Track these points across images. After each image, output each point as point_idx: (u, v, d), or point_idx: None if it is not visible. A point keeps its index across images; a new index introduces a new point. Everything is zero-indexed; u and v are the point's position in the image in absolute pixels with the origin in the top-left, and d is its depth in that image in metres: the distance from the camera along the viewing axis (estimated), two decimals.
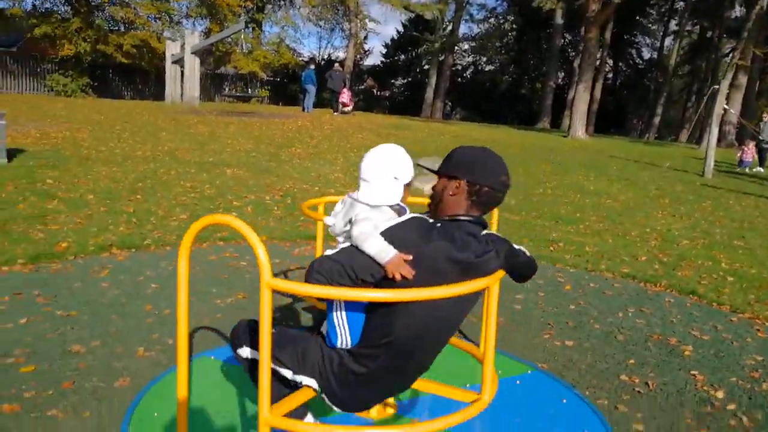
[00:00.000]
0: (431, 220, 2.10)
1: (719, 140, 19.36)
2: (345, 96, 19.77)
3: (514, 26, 39.47)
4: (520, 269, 2.18)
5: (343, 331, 2.09)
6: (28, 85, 24.34)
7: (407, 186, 2.24)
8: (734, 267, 5.82)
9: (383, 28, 67.91)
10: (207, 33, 25.53)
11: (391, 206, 2.18)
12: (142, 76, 26.66)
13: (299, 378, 2.14)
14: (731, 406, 3.02)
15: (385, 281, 1.95)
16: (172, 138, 11.64)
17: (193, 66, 19.07)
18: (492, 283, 2.01)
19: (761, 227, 7.97)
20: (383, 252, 1.95)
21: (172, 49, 19.68)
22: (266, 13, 31.49)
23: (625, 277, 5.25)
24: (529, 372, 3.27)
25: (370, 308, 2.05)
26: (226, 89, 28.06)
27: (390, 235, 1.99)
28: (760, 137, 15.41)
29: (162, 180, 8.00)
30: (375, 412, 2.67)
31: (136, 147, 10.42)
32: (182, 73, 19.41)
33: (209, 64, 26.57)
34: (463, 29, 37.77)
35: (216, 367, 3.12)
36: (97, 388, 2.84)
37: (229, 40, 25.27)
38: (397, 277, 1.93)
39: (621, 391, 3.10)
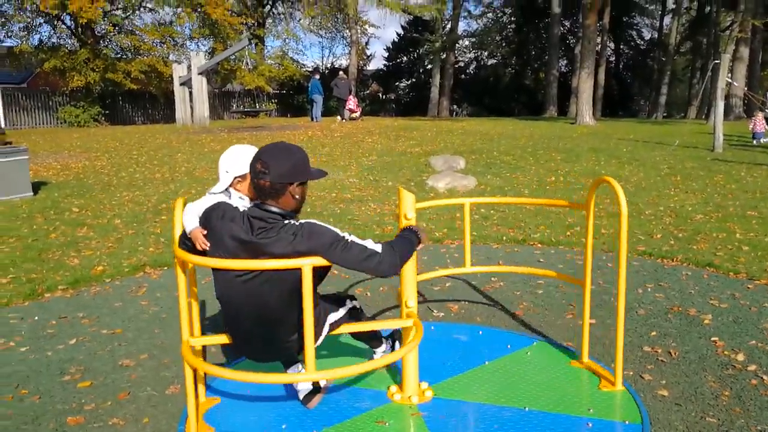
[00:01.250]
0: (237, 205, 2.47)
1: (727, 114, 19.28)
2: (352, 102, 19.99)
3: (512, 19, 39.49)
4: (348, 264, 2.28)
5: None
6: (40, 119, 24.86)
7: (241, 178, 2.64)
8: (749, 236, 5.91)
9: (383, 32, 68.47)
10: (211, 53, 25.93)
11: (223, 192, 2.65)
12: (151, 101, 27.14)
13: None
14: (752, 367, 3.15)
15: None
16: (188, 158, 11.92)
17: (201, 86, 19.40)
18: (302, 266, 2.19)
19: None
20: (186, 224, 2.53)
21: (179, 72, 20.04)
22: (267, 28, 31.87)
23: (641, 254, 5.38)
24: (627, 423, 2.65)
25: None
26: (234, 106, 28.43)
27: (204, 214, 2.47)
28: (766, 109, 15.35)
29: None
30: (400, 394, 2.85)
31: (154, 170, 10.71)
32: (190, 93, 19.76)
33: (215, 82, 26.97)
34: (462, 26, 37.91)
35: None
36: (151, 397, 3.05)
37: (234, 57, 25.63)
38: (197, 246, 2.44)
39: (645, 362, 3.25)
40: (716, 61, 13.77)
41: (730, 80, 15.50)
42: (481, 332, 3.71)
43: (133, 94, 26.07)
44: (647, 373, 3.11)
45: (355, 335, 3.04)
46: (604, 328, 3.75)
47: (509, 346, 3.47)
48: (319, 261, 2.24)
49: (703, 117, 25.92)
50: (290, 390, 3.00)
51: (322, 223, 2.32)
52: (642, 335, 3.61)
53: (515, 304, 4.26)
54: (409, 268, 2.83)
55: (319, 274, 2.45)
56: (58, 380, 3.24)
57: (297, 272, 2.22)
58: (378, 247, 2.31)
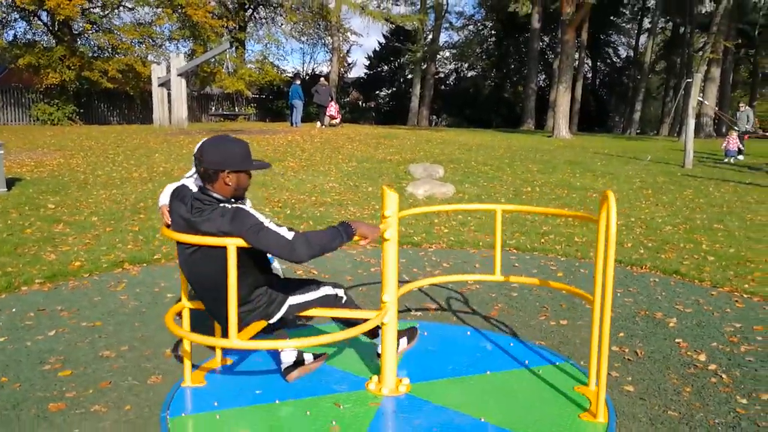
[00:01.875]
0: (193, 188, 2.73)
1: (698, 132, 19.87)
2: (333, 109, 20.08)
3: (492, 32, 40.08)
4: (262, 247, 2.50)
5: None
6: (13, 116, 24.40)
7: None
8: (714, 248, 6.15)
9: (365, 40, 68.87)
10: (191, 55, 25.79)
11: (192, 177, 2.98)
12: (127, 101, 26.83)
13: None
14: (712, 367, 3.32)
15: None
16: (166, 159, 11.87)
17: (180, 88, 19.29)
18: (226, 244, 2.47)
19: (739, 211, 8.34)
20: (159, 201, 2.92)
21: (157, 72, 19.92)
22: (248, 31, 31.82)
23: None
24: None
25: None
26: (213, 109, 28.30)
27: (171, 194, 2.78)
28: (735, 127, 15.89)
29: None
30: (379, 386, 2.95)
31: (131, 170, 10.64)
32: (169, 95, 19.64)
33: (194, 85, 26.82)
34: (443, 37, 38.29)
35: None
36: (132, 386, 3.08)
37: (214, 60, 25.54)
38: (164, 221, 2.79)
39: (613, 360, 3.39)
40: (688, 80, 14.22)
41: (701, 99, 16.01)
42: (512, 344, 3.62)
43: (109, 93, 25.73)
44: (614, 371, 3.25)
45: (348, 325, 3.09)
46: (575, 329, 3.90)
47: (527, 362, 3.35)
48: (241, 243, 2.48)
49: (675, 134, 26.63)
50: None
51: (250, 210, 2.57)
52: (611, 336, 3.74)
53: (490, 305, 4.38)
54: (390, 268, 2.90)
55: (253, 254, 2.61)
56: (38, 369, 3.25)
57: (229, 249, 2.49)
58: (290, 236, 2.51)
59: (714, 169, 13.47)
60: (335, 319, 3.16)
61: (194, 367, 3.21)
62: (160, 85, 19.68)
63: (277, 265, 3.30)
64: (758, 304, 4.42)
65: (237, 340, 2.58)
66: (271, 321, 2.85)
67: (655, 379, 3.16)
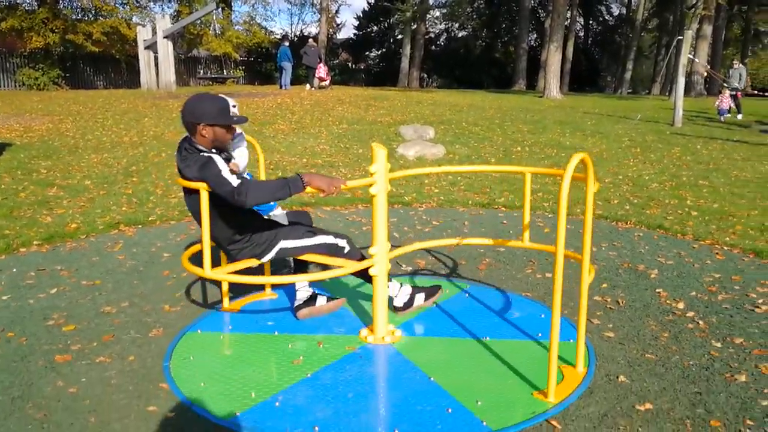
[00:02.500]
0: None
1: (688, 90, 19.86)
2: (322, 71, 19.86)
3: None
4: (217, 192, 2.72)
5: None
6: None
7: None
8: (698, 203, 6.30)
9: (354, 0, 67.51)
10: (176, 16, 25.28)
11: None
12: (113, 65, 26.38)
13: None
14: (690, 314, 3.48)
15: None
16: (156, 123, 11.81)
17: (167, 50, 19.00)
18: (199, 187, 2.77)
19: (725, 168, 8.48)
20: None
21: (143, 35, 19.57)
22: None
23: (598, 218, 5.70)
24: (484, 424, 2.40)
25: None
26: (201, 72, 27.87)
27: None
28: (725, 84, 15.91)
29: (154, 162, 8.26)
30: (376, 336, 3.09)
31: (121, 134, 10.61)
32: (156, 58, 19.34)
33: (181, 47, 26.35)
34: None
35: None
36: (135, 339, 3.21)
37: (200, 22, 25.05)
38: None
39: (594, 309, 3.54)
40: (679, 38, 14.17)
41: (692, 57, 15.98)
42: (543, 315, 3.45)
43: (94, 57, 25.27)
44: (596, 318, 3.41)
45: (356, 274, 3.15)
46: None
47: (539, 335, 3.18)
48: (203, 186, 2.75)
49: (667, 93, 26.59)
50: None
51: (217, 161, 2.77)
52: (594, 287, 3.90)
53: (479, 260, 4.52)
54: (379, 222, 2.96)
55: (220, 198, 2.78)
56: (43, 325, 3.36)
57: (208, 193, 2.78)
58: (235, 183, 2.70)
59: (703, 127, 13.56)
60: (325, 267, 3.31)
61: (240, 295, 3.72)
62: (146, 47, 19.36)
63: (279, 212, 3.43)
64: (737, 256, 4.58)
65: (209, 271, 2.89)
66: (263, 260, 3.11)
67: (635, 326, 3.32)
